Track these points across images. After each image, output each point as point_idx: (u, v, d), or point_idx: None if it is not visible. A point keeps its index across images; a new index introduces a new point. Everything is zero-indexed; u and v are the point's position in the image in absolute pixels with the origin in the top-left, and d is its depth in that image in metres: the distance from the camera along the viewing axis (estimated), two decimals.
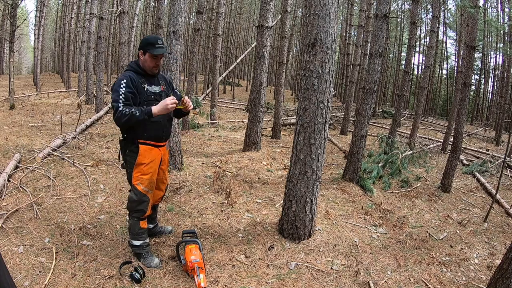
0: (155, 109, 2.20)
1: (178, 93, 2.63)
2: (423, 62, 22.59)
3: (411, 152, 6.83)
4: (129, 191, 2.41)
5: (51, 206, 3.25)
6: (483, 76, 22.07)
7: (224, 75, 15.67)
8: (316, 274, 2.47)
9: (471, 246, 3.35)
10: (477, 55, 19.94)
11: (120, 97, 2.19)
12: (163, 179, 2.60)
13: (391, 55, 26.50)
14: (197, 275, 2.14)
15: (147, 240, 2.48)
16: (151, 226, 2.75)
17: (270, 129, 8.19)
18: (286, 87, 23.30)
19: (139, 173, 2.32)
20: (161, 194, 2.66)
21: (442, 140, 8.91)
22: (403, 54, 24.30)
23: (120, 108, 2.15)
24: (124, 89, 2.21)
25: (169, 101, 2.22)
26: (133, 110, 2.16)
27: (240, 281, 2.33)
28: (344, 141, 8.25)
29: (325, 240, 2.91)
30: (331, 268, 2.56)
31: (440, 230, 3.64)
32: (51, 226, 2.89)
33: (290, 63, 27.79)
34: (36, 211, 3.09)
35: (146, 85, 2.32)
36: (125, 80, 2.23)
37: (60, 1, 26.13)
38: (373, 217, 3.61)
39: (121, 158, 2.44)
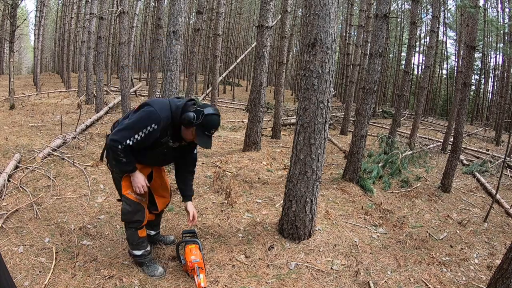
0: (134, 176, 2.12)
1: (196, 152, 2.44)
2: (423, 62, 22.60)
3: (411, 152, 6.83)
4: (118, 200, 2.29)
5: (51, 206, 3.25)
6: (483, 76, 22.08)
7: (224, 75, 15.68)
8: (316, 274, 2.47)
9: (471, 246, 3.35)
10: (477, 55, 19.94)
11: (131, 140, 1.98)
12: (164, 186, 2.46)
13: (391, 55, 26.51)
14: (197, 275, 2.14)
15: (149, 248, 2.36)
16: (153, 232, 2.61)
17: (270, 129, 8.19)
18: (286, 87, 23.31)
19: (128, 181, 2.15)
20: (167, 200, 2.52)
21: (442, 140, 8.91)
22: (403, 54, 24.30)
23: (120, 148, 1.98)
24: (143, 135, 1.99)
25: (141, 188, 2.13)
26: (124, 160, 2.03)
27: (240, 281, 2.33)
28: (344, 141, 8.25)
29: (325, 240, 2.91)
30: (331, 268, 2.56)
31: (440, 230, 3.64)
32: (51, 226, 2.89)
33: (290, 63, 27.80)
34: (36, 211, 3.08)
35: (166, 139, 2.10)
36: (155, 127, 1.98)
37: (60, 1, 26.13)
38: (373, 217, 3.61)
39: (104, 157, 2.25)
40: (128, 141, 1.99)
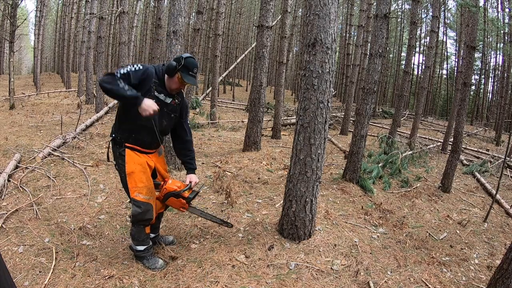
0: (145, 101, 2.03)
1: (188, 123, 2.53)
2: (423, 62, 22.62)
3: (411, 152, 6.83)
4: (129, 202, 2.34)
5: (51, 206, 3.25)
6: (483, 76, 22.09)
7: (224, 75, 15.68)
8: (316, 274, 2.47)
9: (471, 246, 3.34)
10: (477, 55, 19.97)
11: (124, 70, 2.06)
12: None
13: (391, 55, 26.53)
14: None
15: (151, 243, 2.45)
16: (152, 235, 2.60)
17: (270, 129, 8.19)
18: (286, 87, 23.32)
19: (133, 182, 2.21)
20: (163, 207, 2.54)
21: (442, 140, 8.91)
22: (403, 54, 24.34)
23: (117, 76, 2.01)
24: (132, 69, 2.09)
25: (155, 107, 2.06)
26: (126, 88, 1.98)
27: (240, 281, 2.33)
28: (344, 141, 8.25)
29: (325, 240, 2.91)
30: (331, 268, 2.56)
31: (440, 230, 3.64)
32: (51, 226, 2.89)
33: (290, 63, 27.81)
34: (36, 211, 3.08)
35: (155, 90, 2.20)
36: (141, 67, 2.13)
37: (60, 1, 26.14)
38: (373, 217, 3.61)
39: (110, 158, 2.33)
40: (121, 70, 2.07)
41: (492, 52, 21.37)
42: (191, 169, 2.49)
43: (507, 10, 16.32)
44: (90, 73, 10.85)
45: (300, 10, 20.92)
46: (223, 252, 2.63)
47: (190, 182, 2.38)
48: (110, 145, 2.32)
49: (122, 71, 2.07)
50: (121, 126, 2.23)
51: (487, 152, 8.68)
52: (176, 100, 2.36)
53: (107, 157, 2.39)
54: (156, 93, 2.21)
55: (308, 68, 2.68)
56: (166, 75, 2.25)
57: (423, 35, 24.16)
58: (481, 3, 17.43)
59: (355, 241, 2.97)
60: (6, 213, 2.96)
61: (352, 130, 4.98)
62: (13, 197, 3.36)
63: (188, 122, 2.55)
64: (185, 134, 2.50)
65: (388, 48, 24.06)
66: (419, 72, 24.55)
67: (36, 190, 3.57)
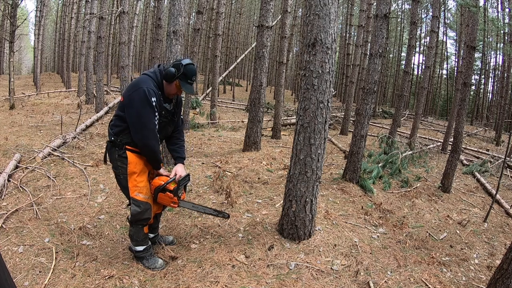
0: (161, 170, 2.36)
1: (181, 117, 2.56)
2: (423, 62, 22.63)
3: (411, 152, 6.83)
4: (128, 205, 2.34)
5: (51, 206, 3.25)
6: (483, 76, 22.11)
7: (224, 75, 15.69)
8: (316, 274, 2.47)
9: (471, 246, 3.34)
10: (477, 55, 19.97)
11: (155, 121, 2.17)
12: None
13: (391, 55, 26.56)
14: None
15: (150, 243, 2.46)
16: (152, 235, 2.62)
17: (270, 129, 8.19)
18: (286, 87, 23.32)
19: (134, 182, 2.23)
20: (160, 207, 2.54)
21: (442, 140, 8.91)
22: (403, 54, 24.37)
23: (154, 142, 2.19)
24: (156, 111, 2.17)
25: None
26: (158, 156, 2.25)
27: (240, 281, 2.33)
28: (344, 141, 8.25)
29: (325, 240, 2.91)
30: (331, 268, 2.56)
31: (440, 230, 3.64)
32: (51, 226, 2.89)
33: (290, 63, 27.85)
34: (36, 211, 3.08)
35: (162, 101, 2.25)
36: (155, 99, 2.14)
37: (60, 1, 26.15)
38: (373, 217, 3.61)
39: (107, 160, 2.33)
40: (155, 120, 2.17)
41: (492, 52, 21.40)
42: (179, 158, 2.45)
43: (507, 10, 16.31)
44: (90, 73, 10.85)
45: (300, 10, 20.94)
46: (223, 252, 2.63)
47: (175, 174, 2.33)
48: (108, 147, 2.29)
49: (156, 126, 2.19)
50: (125, 131, 2.21)
51: (487, 152, 8.68)
52: (174, 101, 2.40)
53: (104, 159, 2.38)
54: (164, 105, 2.27)
55: (308, 68, 2.68)
56: (164, 81, 2.25)
57: (423, 35, 24.18)
58: (481, 3, 17.45)
59: (355, 241, 2.97)
60: (6, 213, 2.96)
61: (352, 130, 4.98)
62: (13, 197, 3.36)
63: (181, 115, 2.57)
64: (178, 124, 2.52)
65: (388, 48, 24.09)
66: (419, 72, 24.57)
67: (36, 190, 3.57)
